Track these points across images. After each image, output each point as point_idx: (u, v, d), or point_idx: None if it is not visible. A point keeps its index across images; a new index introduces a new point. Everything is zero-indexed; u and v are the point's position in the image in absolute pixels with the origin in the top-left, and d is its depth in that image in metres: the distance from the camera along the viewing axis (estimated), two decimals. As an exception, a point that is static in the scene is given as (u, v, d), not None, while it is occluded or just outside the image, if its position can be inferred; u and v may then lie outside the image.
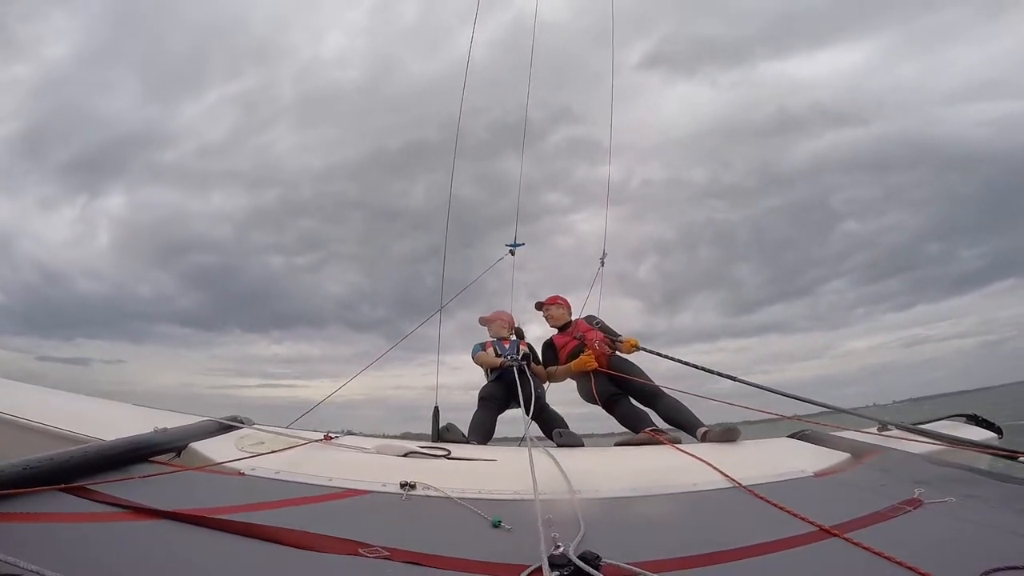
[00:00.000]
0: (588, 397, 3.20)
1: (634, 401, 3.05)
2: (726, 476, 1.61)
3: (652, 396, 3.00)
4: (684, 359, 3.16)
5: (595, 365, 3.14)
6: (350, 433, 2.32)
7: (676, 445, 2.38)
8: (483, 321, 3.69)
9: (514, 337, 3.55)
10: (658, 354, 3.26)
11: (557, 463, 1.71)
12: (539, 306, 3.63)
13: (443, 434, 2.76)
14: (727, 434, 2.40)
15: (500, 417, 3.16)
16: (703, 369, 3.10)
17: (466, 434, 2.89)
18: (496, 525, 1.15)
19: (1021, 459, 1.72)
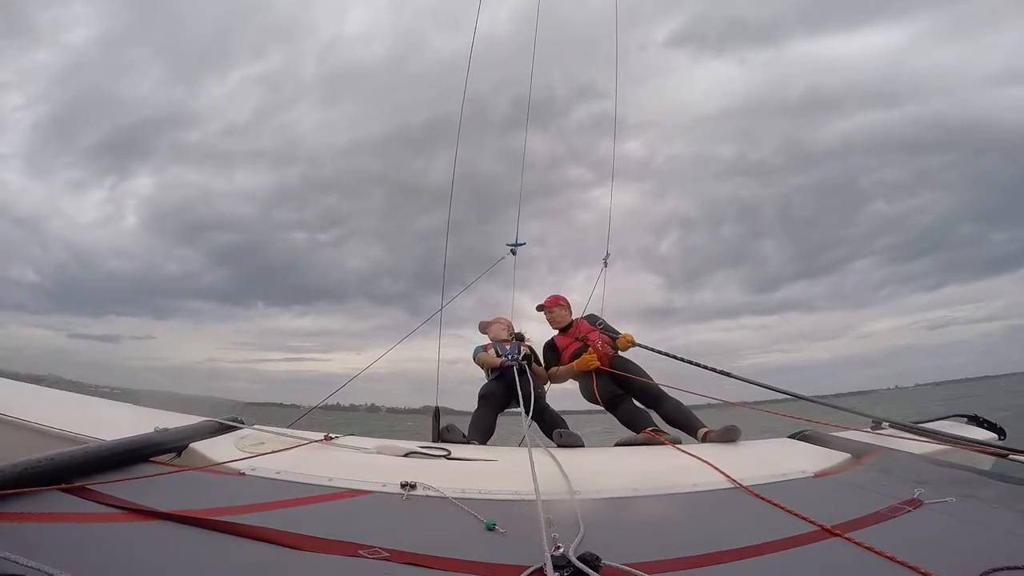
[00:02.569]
0: (590, 397, 3.20)
1: (636, 402, 3.05)
2: (727, 476, 1.61)
3: (654, 397, 3.00)
4: (682, 356, 3.17)
5: (598, 364, 3.15)
6: (351, 434, 2.32)
7: (676, 445, 2.38)
8: (483, 326, 3.72)
9: (514, 340, 3.57)
10: (653, 350, 3.28)
11: (557, 463, 1.71)
12: (540, 308, 3.63)
13: (443, 434, 2.76)
14: (727, 434, 2.40)
15: (500, 418, 3.17)
16: (699, 365, 3.12)
17: (466, 433, 2.89)
18: (490, 528, 1.13)
19: (1011, 457, 1.73)
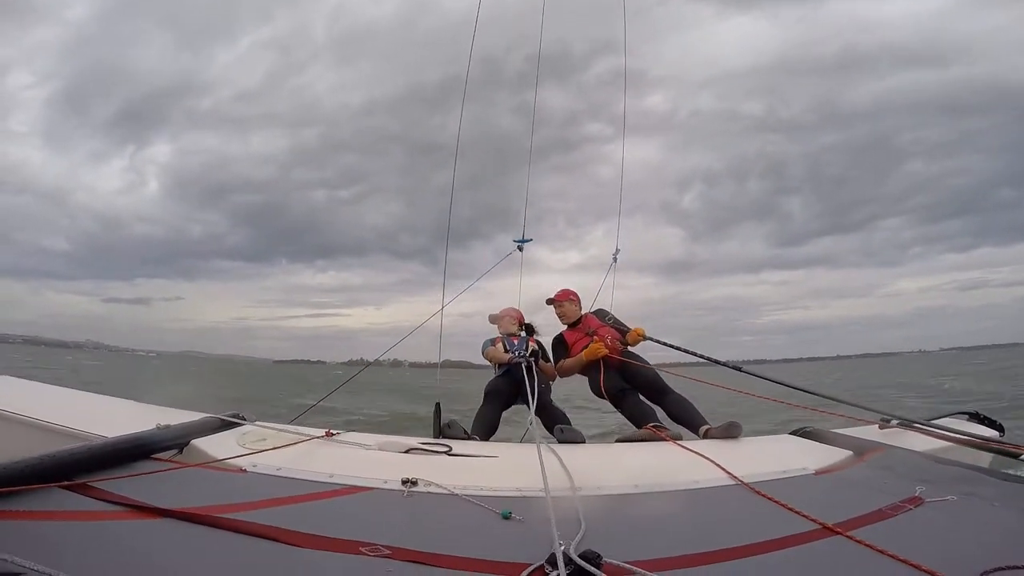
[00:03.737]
0: (596, 391, 3.20)
1: (642, 397, 3.05)
2: (728, 473, 1.61)
3: (660, 392, 3.00)
4: (691, 349, 3.18)
5: (606, 352, 3.14)
6: (352, 430, 2.32)
7: (678, 441, 2.38)
8: (492, 319, 3.71)
9: (523, 334, 3.56)
10: (664, 343, 3.27)
11: (559, 459, 1.71)
12: (551, 302, 3.62)
13: (445, 431, 2.77)
14: (729, 431, 2.40)
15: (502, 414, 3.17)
16: (710, 360, 3.14)
17: (470, 427, 2.89)
18: (506, 517, 1.18)
19: (1022, 457, 1.72)
